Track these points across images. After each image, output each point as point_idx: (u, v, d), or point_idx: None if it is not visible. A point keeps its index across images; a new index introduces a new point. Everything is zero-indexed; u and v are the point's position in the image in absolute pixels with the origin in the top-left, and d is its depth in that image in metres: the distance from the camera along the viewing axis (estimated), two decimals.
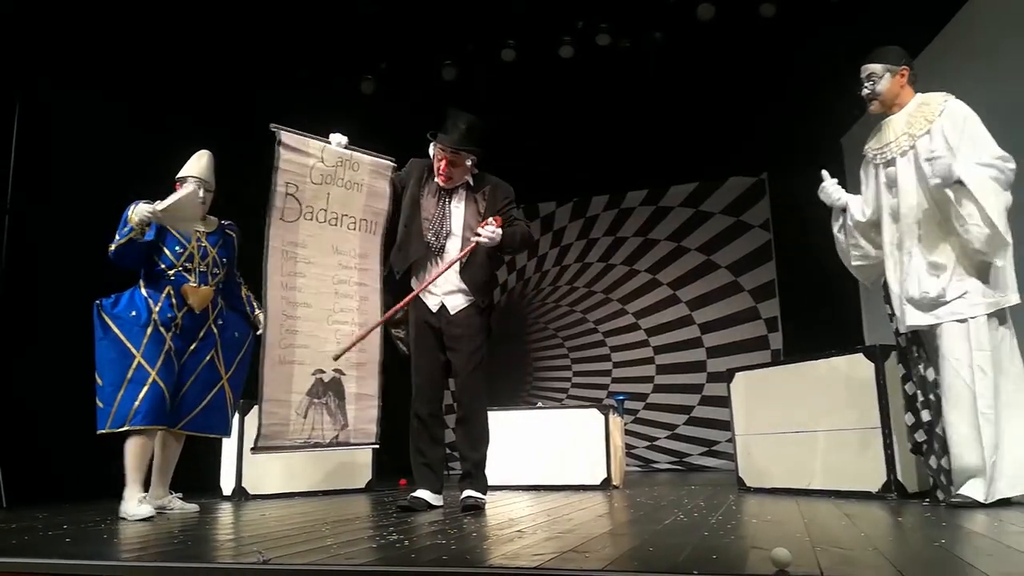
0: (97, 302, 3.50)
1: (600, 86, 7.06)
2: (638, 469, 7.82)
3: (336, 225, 3.49)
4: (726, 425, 4.86)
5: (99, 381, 3.44)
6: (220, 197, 3.87)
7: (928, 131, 3.19)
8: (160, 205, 3.48)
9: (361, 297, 3.54)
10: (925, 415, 3.27)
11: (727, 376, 4.62)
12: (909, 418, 3.38)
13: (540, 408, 5.61)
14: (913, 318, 3.16)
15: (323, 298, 3.42)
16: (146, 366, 3.46)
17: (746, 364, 5.41)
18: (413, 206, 3.57)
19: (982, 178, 2.99)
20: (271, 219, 3.31)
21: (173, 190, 3.70)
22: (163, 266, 3.61)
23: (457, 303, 3.51)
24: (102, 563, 1.97)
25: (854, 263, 3.55)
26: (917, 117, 3.25)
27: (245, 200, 4.09)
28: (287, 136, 3.35)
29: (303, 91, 6.33)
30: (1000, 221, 2.97)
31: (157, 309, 3.55)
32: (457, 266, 3.47)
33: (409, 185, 3.61)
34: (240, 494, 4.69)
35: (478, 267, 3.52)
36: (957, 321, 3.05)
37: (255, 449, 3.29)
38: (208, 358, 3.71)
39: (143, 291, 3.59)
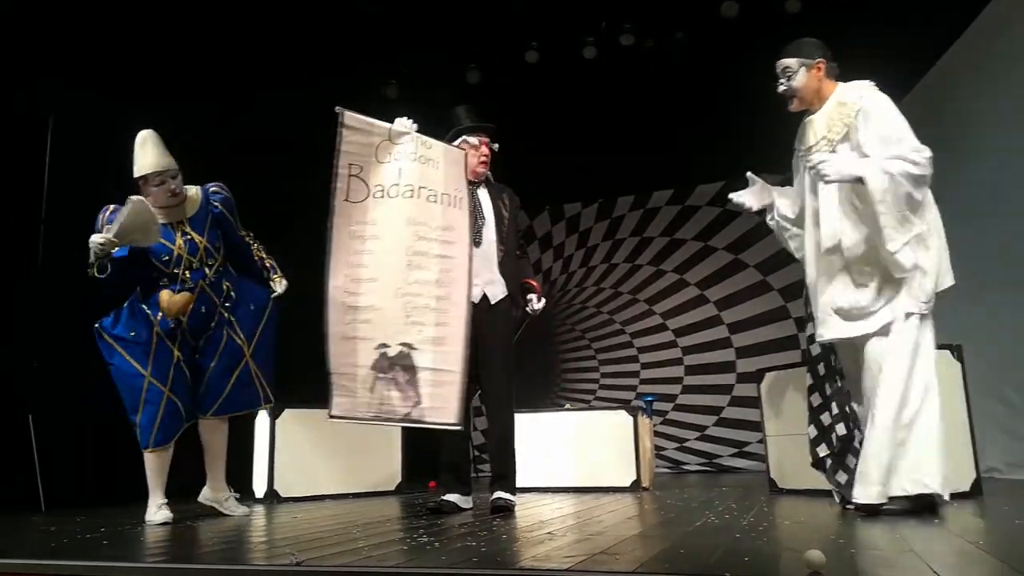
0: (97, 325, 3.40)
1: (624, 86, 7.04)
2: (668, 471, 7.77)
3: (412, 197, 3.35)
4: (756, 426, 4.82)
5: (124, 402, 3.42)
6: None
7: (846, 135, 3.04)
8: (110, 232, 3.21)
9: (443, 269, 3.37)
10: (840, 429, 3.11)
11: (757, 376, 4.58)
12: (812, 431, 3.22)
13: (568, 410, 5.60)
14: (839, 329, 3.00)
15: (392, 271, 3.29)
16: (157, 384, 3.39)
17: (776, 364, 5.36)
18: None
19: (882, 176, 2.84)
20: (336, 201, 3.24)
21: (138, 193, 3.41)
22: (155, 274, 3.44)
23: (497, 292, 3.61)
24: (138, 565, 2.00)
25: (798, 254, 3.39)
26: (835, 119, 3.08)
27: (267, 197, 4.11)
28: (350, 118, 3.30)
29: (327, 96, 6.39)
30: (895, 225, 2.81)
31: (158, 320, 3.42)
32: (496, 258, 3.61)
33: None
34: (272, 496, 4.74)
35: (510, 265, 3.67)
36: (882, 332, 2.91)
37: (332, 416, 3.23)
38: (225, 340, 3.56)
39: (141, 303, 3.45)
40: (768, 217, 3.47)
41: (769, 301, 7.86)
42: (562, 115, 7.35)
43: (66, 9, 4.77)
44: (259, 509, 4.17)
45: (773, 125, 3.64)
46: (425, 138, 3.44)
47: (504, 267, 3.64)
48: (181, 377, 3.48)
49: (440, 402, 3.27)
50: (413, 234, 3.33)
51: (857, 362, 3.04)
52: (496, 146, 3.71)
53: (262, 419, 4.90)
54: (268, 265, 3.81)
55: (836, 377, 3.18)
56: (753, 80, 4.10)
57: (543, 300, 3.76)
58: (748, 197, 3.43)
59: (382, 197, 3.33)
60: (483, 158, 3.66)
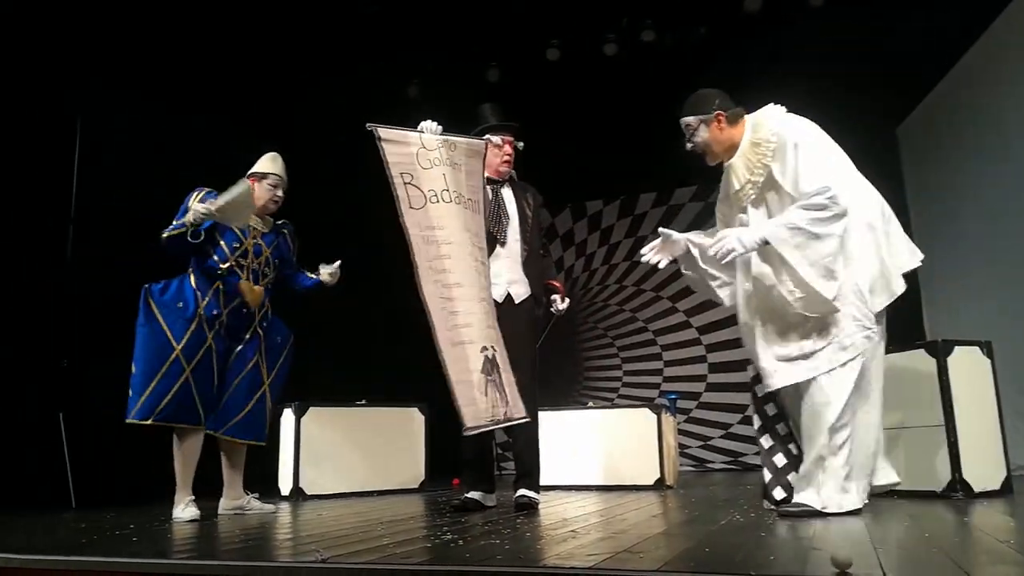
0: (146, 286, 3.46)
1: (645, 82, 7.00)
2: (692, 469, 7.73)
3: (460, 204, 3.39)
4: None
5: (133, 369, 3.39)
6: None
7: (767, 176, 2.96)
8: (215, 203, 3.43)
9: (486, 276, 3.41)
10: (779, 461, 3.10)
11: None
12: (767, 474, 3.13)
13: (591, 408, 5.59)
14: (790, 376, 2.94)
15: (470, 276, 3.30)
16: (183, 361, 3.42)
17: None
18: None
19: (784, 233, 2.78)
20: (400, 210, 3.24)
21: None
22: (216, 258, 3.57)
23: (520, 292, 3.62)
24: (166, 562, 2.02)
25: (719, 291, 3.30)
26: (753, 162, 3.01)
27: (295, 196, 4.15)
28: (384, 132, 3.30)
29: (349, 95, 6.43)
30: (813, 277, 2.76)
31: (204, 304, 3.52)
32: (520, 258, 3.62)
33: None
34: (298, 494, 4.78)
35: (534, 264, 3.68)
36: (827, 372, 2.86)
37: (467, 430, 3.11)
38: (253, 362, 3.67)
39: (192, 283, 3.54)
40: (683, 267, 3.37)
41: None
42: (583, 112, 7.33)
43: (95, 10, 4.84)
44: (284, 507, 4.21)
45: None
46: (448, 139, 3.43)
47: (528, 267, 3.65)
48: (207, 366, 3.52)
49: (515, 399, 3.28)
50: (470, 240, 3.34)
51: (798, 400, 2.98)
52: (521, 144, 3.72)
53: (287, 417, 4.95)
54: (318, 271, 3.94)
55: (785, 418, 3.14)
56: (776, 75, 4.07)
57: (567, 300, 3.78)
58: (657, 254, 3.34)
59: (438, 202, 3.32)
60: (506, 157, 3.67)
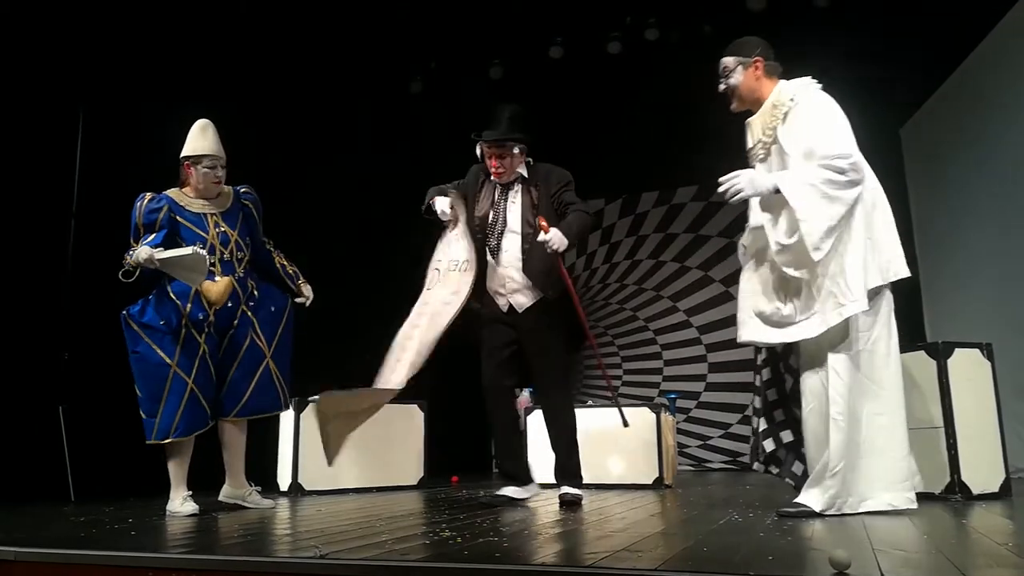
0: (124, 312, 3.39)
1: (648, 81, 7.00)
2: (691, 468, 7.74)
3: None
4: None
5: (139, 393, 3.39)
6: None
7: (775, 139, 2.99)
8: (160, 255, 3.28)
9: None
10: (787, 436, 3.08)
11: None
12: (763, 423, 3.15)
13: (591, 406, 5.58)
14: (757, 333, 2.96)
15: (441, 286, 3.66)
16: (182, 375, 3.40)
17: None
18: (469, 210, 3.65)
19: (797, 186, 2.78)
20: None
21: (182, 171, 3.57)
22: None
23: (521, 301, 3.57)
24: (164, 556, 2.02)
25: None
26: (767, 122, 3.04)
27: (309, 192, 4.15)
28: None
29: (352, 91, 6.43)
30: (808, 231, 2.74)
31: (187, 311, 3.43)
32: (519, 263, 3.54)
33: (470, 192, 3.70)
34: (296, 490, 4.78)
35: (537, 260, 3.50)
36: (813, 340, 2.85)
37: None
38: (248, 341, 3.59)
39: (170, 293, 3.44)
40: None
41: None
42: (586, 110, 7.33)
43: (97, 2, 4.83)
44: (283, 502, 4.21)
45: None
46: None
47: (529, 268, 3.52)
48: (205, 370, 3.49)
49: (392, 371, 3.53)
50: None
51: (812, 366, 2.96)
52: (517, 150, 3.55)
53: (286, 413, 4.94)
54: (292, 272, 3.86)
55: (785, 379, 3.13)
56: (780, 74, 4.05)
57: (552, 232, 3.36)
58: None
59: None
60: (494, 169, 3.57)
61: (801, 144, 2.89)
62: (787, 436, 3.11)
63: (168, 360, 3.39)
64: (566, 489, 3.56)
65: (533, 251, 3.51)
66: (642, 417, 5.01)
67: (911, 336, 5.73)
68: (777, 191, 2.84)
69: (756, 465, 3.21)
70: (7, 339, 4.38)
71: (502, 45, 6.80)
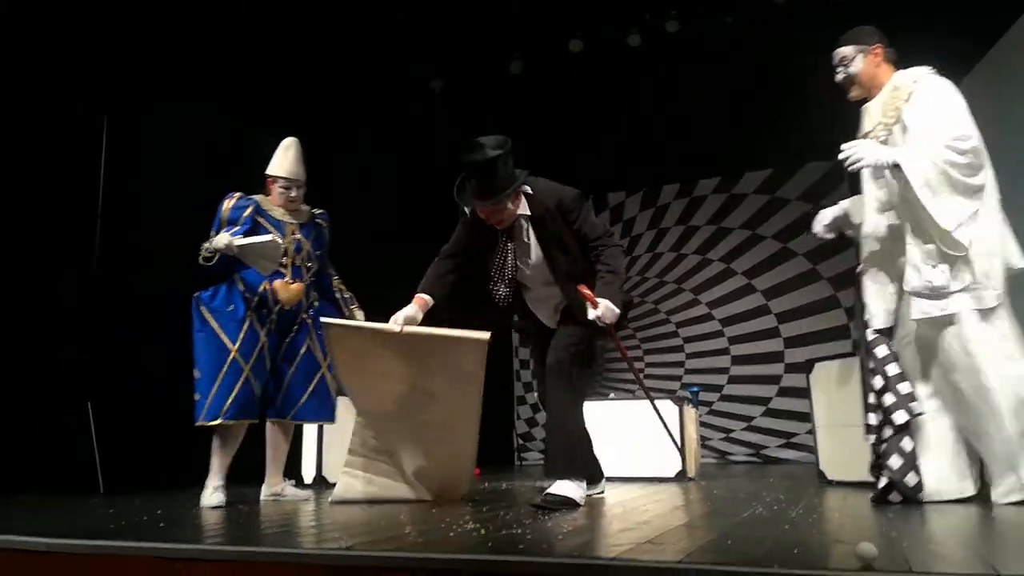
0: (196, 295, 3.55)
1: (669, 74, 6.95)
2: (714, 461, 7.71)
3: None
4: (805, 416, 4.75)
5: (196, 374, 3.50)
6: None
7: (899, 119, 3.00)
8: (239, 241, 3.50)
9: None
10: (900, 416, 2.98)
11: (806, 367, 4.51)
12: (873, 418, 3.09)
13: (613, 399, 5.58)
14: (920, 308, 2.89)
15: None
16: (240, 361, 3.53)
17: (825, 354, 5.26)
18: (481, 258, 3.45)
19: (921, 162, 2.78)
20: None
21: (263, 187, 3.79)
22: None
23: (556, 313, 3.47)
24: (193, 547, 2.05)
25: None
26: (889, 104, 3.06)
27: (324, 190, 4.18)
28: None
29: (373, 90, 6.45)
30: (941, 212, 2.76)
31: (255, 303, 3.61)
32: (556, 298, 3.38)
33: (476, 232, 3.41)
34: (321, 482, 4.83)
35: (573, 292, 3.28)
36: (971, 310, 2.82)
37: None
38: (305, 348, 3.77)
39: (240, 286, 3.62)
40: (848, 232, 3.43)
41: (819, 290, 7.74)
42: (606, 104, 7.29)
43: (121, 9, 4.89)
44: (308, 495, 4.24)
45: (821, 112, 3.58)
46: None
47: (567, 293, 3.31)
48: (262, 363, 3.63)
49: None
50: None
51: (933, 346, 2.94)
52: (510, 204, 3.24)
53: None
54: (347, 297, 3.99)
55: (894, 360, 3.06)
56: (801, 66, 4.02)
57: (602, 306, 3.16)
58: (823, 225, 3.42)
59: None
60: (492, 222, 3.29)
61: (924, 123, 2.92)
62: (907, 444, 2.98)
63: (230, 345, 3.52)
64: (547, 490, 3.10)
65: (569, 284, 3.30)
66: (664, 410, 4.98)
67: None
68: (896, 166, 2.85)
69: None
70: (37, 336, 4.46)
71: (522, 39, 6.78)
